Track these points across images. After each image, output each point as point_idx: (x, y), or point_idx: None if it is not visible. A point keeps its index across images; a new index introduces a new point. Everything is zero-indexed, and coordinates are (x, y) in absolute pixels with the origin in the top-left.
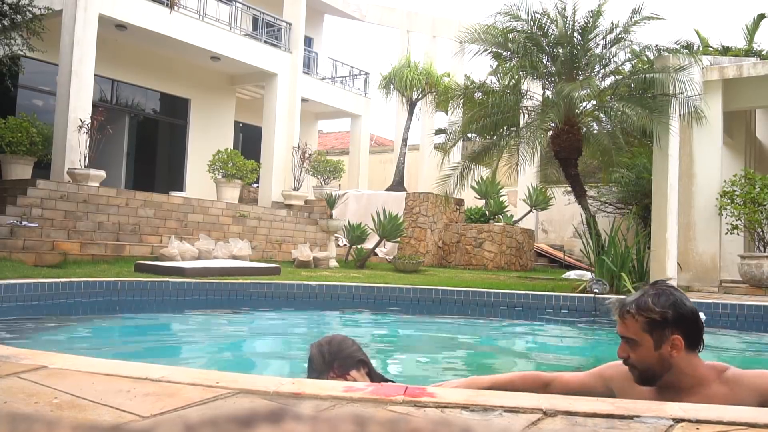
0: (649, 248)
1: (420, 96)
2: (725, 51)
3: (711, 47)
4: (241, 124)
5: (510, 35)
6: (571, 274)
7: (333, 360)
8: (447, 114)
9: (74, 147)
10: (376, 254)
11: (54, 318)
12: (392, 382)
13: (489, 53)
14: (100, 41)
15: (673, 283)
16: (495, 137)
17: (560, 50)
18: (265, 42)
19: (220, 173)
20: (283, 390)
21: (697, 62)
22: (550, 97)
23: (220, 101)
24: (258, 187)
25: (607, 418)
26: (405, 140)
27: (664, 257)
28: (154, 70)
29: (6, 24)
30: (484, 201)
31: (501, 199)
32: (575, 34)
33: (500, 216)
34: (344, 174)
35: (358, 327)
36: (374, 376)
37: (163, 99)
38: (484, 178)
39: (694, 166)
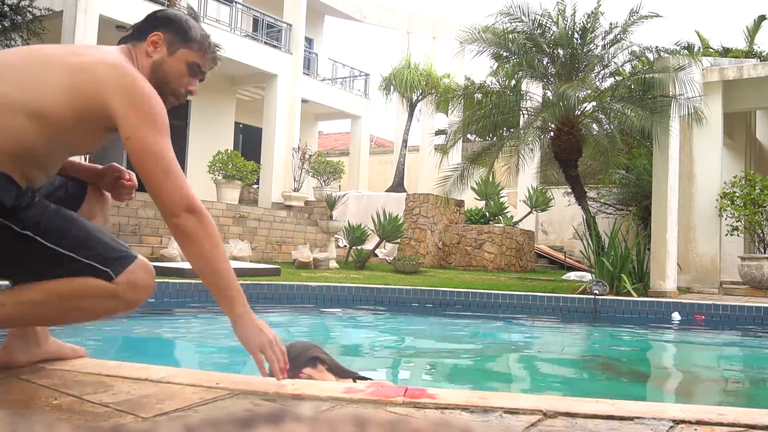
0: (649, 249)
1: (420, 97)
2: (726, 52)
3: (711, 48)
4: (241, 125)
5: (510, 36)
6: (571, 276)
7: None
8: (447, 115)
9: None
10: (376, 255)
11: None
12: (362, 377)
13: (489, 54)
14: (100, 42)
15: (673, 284)
16: (495, 138)
17: (560, 51)
18: (265, 43)
19: (220, 174)
20: (283, 391)
21: (697, 63)
22: (550, 98)
23: (220, 102)
24: (258, 188)
25: (607, 420)
26: (405, 141)
27: (664, 258)
28: None
29: (6, 25)
30: (484, 202)
31: (501, 200)
32: (575, 35)
33: (500, 217)
34: (344, 175)
35: (358, 328)
36: (336, 371)
37: None
38: (484, 179)
39: (695, 167)
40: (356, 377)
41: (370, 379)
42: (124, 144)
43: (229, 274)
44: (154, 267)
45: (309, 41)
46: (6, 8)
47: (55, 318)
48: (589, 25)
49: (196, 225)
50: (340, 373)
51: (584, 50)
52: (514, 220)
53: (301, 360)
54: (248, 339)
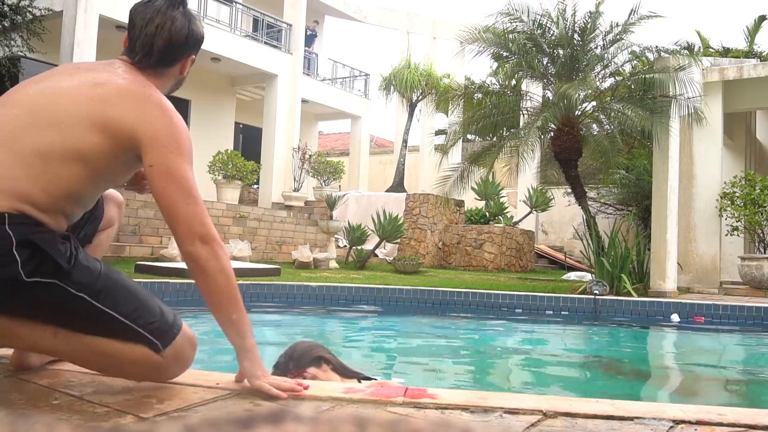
0: (649, 249)
1: (420, 97)
2: (726, 52)
3: (712, 48)
4: (241, 125)
5: (510, 36)
6: (571, 276)
7: (288, 362)
8: (447, 115)
9: None
10: (376, 255)
11: None
12: (367, 377)
13: (489, 54)
14: (100, 42)
15: (674, 284)
16: (495, 138)
17: (560, 51)
18: (265, 43)
19: (220, 174)
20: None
21: (697, 63)
22: (550, 98)
23: (221, 102)
24: (258, 188)
25: (607, 420)
26: (405, 141)
27: (664, 258)
28: None
29: (6, 25)
30: (484, 202)
31: (501, 200)
32: (575, 35)
33: (500, 217)
34: (344, 175)
35: (358, 328)
36: (341, 371)
37: None
38: (484, 179)
39: (695, 167)
40: (361, 377)
41: (375, 380)
42: (147, 171)
43: (242, 308)
44: (155, 267)
45: (309, 41)
46: (6, 8)
47: (93, 367)
48: (589, 25)
49: (210, 255)
50: (345, 373)
51: (584, 50)
52: (514, 220)
53: (305, 359)
54: (253, 371)
